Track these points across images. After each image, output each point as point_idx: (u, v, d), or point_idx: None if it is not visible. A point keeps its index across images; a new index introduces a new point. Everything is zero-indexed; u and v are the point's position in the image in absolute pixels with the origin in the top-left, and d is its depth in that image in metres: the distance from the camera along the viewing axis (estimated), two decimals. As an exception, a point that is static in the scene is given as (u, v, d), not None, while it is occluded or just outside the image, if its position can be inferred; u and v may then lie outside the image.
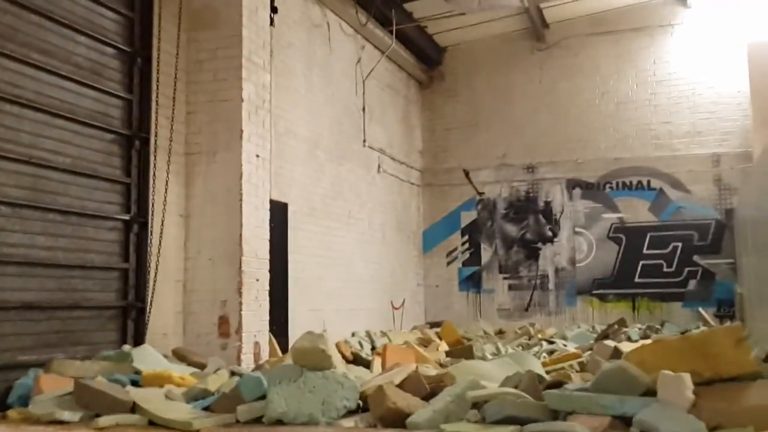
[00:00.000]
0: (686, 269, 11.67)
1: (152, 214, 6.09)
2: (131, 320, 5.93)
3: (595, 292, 12.05)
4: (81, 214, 5.55)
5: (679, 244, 11.73)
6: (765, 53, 10.63)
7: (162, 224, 6.15)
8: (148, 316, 5.96)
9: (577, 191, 12.32)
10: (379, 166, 11.24)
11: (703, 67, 11.86)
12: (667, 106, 11.98)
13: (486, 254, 12.67)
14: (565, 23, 12.33)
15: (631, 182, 12.08)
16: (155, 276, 6.06)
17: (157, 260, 6.08)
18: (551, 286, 12.27)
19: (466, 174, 12.68)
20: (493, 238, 12.63)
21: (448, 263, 12.82)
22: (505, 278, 12.53)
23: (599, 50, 12.33)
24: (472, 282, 12.69)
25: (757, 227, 9.19)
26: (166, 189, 6.27)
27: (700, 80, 11.86)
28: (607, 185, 12.18)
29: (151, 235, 6.07)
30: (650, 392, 3.45)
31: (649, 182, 11.98)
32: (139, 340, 5.89)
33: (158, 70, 6.27)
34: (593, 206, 12.23)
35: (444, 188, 12.85)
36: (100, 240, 5.75)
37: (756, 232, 9.36)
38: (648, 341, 6.34)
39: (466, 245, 12.77)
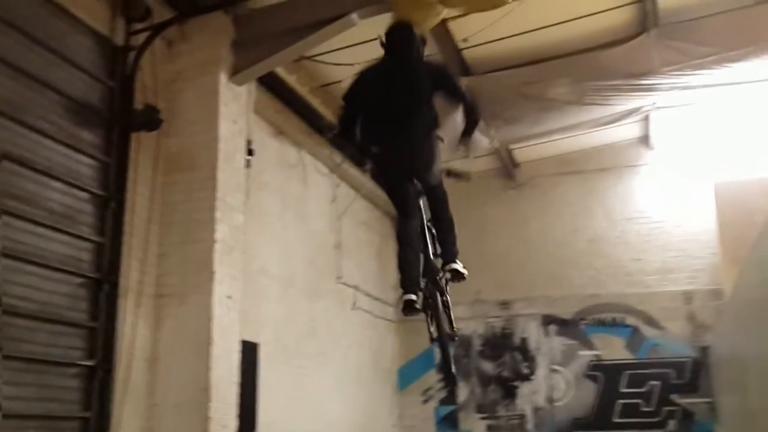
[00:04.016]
0: (665, 408, 11.50)
1: (118, 360, 5.94)
2: (90, 474, 5.67)
3: (574, 432, 11.79)
4: (44, 362, 5.41)
5: (657, 383, 11.62)
6: (731, 193, 10.98)
7: (127, 369, 5.99)
8: (108, 469, 5.71)
9: (553, 328, 12.29)
10: (353, 303, 11.18)
11: (671, 205, 12.18)
12: (638, 244, 12.19)
13: (463, 392, 12.43)
14: (534, 163, 12.72)
15: (605, 319, 12.09)
16: (118, 425, 5.84)
17: (121, 408, 5.88)
18: (530, 426, 11.99)
19: (442, 310, 12.61)
20: (469, 375, 12.44)
21: (424, 402, 12.55)
22: (482, 418, 12.25)
23: (568, 189, 12.66)
24: (449, 422, 12.38)
25: (733, 366, 9.18)
26: (133, 333, 6.16)
27: (668, 218, 12.14)
28: (582, 322, 12.18)
29: (116, 381, 5.90)
30: None
31: (623, 319, 12.00)
32: (97, 495, 5.61)
33: (133, 213, 6.31)
34: (569, 343, 12.16)
35: (419, 324, 12.70)
36: (62, 388, 5.57)
37: (732, 371, 9.34)
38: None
39: (443, 383, 12.54)
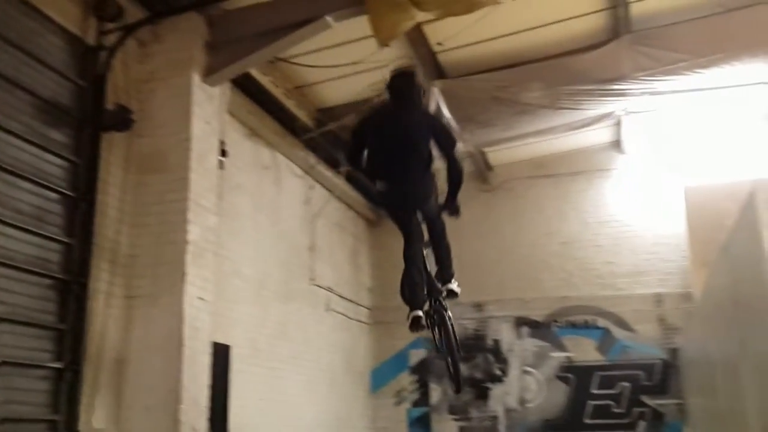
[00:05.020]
0: (635, 410, 11.62)
1: (87, 362, 5.88)
2: (57, 478, 5.60)
3: (546, 434, 11.86)
4: (12, 364, 5.34)
5: (627, 384, 11.73)
6: (701, 197, 11.11)
7: (97, 371, 5.93)
8: (75, 473, 5.64)
9: (525, 329, 12.36)
10: (327, 305, 11.16)
11: (642, 209, 12.29)
12: (609, 247, 12.29)
13: (435, 394, 12.46)
14: (508, 166, 12.78)
15: (577, 321, 12.18)
16: (87, 427, 5.78)
17: (89, 410, 5.82)
18: (502, 427, 12.05)
19: (415, 312, 12.64)
20: (442, 377, 12.46)
21: (397, 404, 12.56)
22: (455, 419, 12.29)
23: (541, 192, 12.74)
24: (421, 424, 12.40)
25: (702, 368, 9.30)
26: (103, 334, 6.09)
27: (639, 222, 12.25)
28: (554, 324, 12.26)
29: (84, 383, 5.83)
30: None
31: (595, 321, 12.10)
32: (64, 499, 5.55)
33: (104, 214, 6.25)
34: (541, 345, 12.25)
35: (392, 326, 12.74)
36: (30, 390, 5.50)
37: (701, 373, 9.46)
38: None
39: (415, 385, 12.58)
